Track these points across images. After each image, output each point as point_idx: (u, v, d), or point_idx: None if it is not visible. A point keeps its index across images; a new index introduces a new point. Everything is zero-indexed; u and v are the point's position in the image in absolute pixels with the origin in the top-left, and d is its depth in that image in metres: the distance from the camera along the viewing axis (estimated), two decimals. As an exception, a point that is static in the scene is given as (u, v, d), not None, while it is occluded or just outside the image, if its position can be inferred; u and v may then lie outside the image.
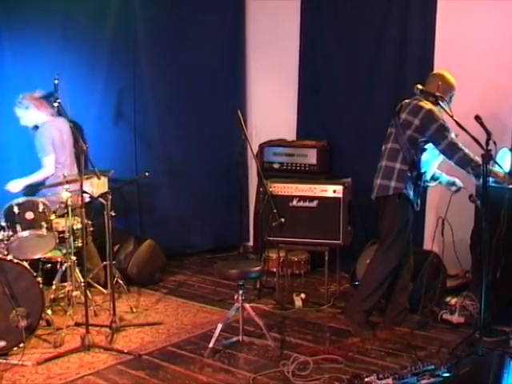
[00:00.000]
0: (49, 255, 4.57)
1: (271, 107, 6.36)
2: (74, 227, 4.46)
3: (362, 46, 5.68)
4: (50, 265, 4.70)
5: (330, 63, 5.91)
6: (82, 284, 4.38)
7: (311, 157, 5.76)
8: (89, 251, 4.80)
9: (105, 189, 4.70)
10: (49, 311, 4.29)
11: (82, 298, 4.19)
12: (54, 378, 3.58)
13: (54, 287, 4.54)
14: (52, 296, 4.56)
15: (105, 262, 4.65)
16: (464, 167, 3.92)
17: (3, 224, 4.29)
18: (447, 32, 5.15)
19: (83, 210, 4.11)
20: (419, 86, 4.00)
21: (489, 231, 3.59)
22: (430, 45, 5.21)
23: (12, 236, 4.26)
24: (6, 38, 5.14)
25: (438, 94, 3.93)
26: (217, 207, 6.36)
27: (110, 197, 4.29)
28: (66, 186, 4.31)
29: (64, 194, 4.30)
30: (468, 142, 3.70)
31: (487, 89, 4.91)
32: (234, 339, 4.05)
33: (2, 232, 4.27)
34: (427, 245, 5.25)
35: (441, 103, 3.91)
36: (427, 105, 4.02)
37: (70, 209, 4.32)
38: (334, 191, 4.75)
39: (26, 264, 3.98)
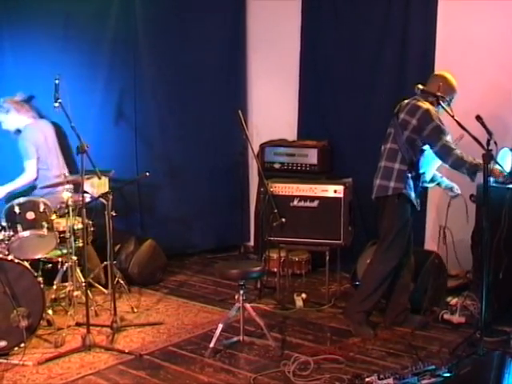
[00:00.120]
0: (49, 255, 4.57)
1: (272, 107, 6.35)
2: (75, 227, 4.46)
3: (362, 46, 5.67)
4: (50, 265, 4.69)
5: (331, 63, 5.90)
6: (83, 284, 4.37)
7: (312, 157, 5.76)
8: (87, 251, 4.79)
9: (105, 189, 4.70)
10: (50, 311, 4.29)
11: (83, 297, 4.18)
12: (54, 377, 3.58)
13: (54, 287, 4.54)
14: (53, 296, 4.56)
15: (106, 262, 4.67)
16: (458, 169, 3.94)
17: (4, 224, 4.30)
18: (448, 32, 5.14)
19: (84, 210, 4.10)
20: (420, 86, 4.00)
21: (489, 231, 3.59)
22: (431, 45, 5.20)
23: (13, 236, 4.28)
24: (6, 38, 5.15)
25: (438, 93, 3.93)
26: (218, 207, 6.35)
27: (110, 197, 4.30)
28: (67, 186, 4.31)
29: (65, 193, 4.30)
30: (469, 142, 3.70)
31: (488, 89, 4.91)
32: (235, 339, 4.05)
33: (2, 232, 4.28)
34: (428, 245, 5.26)
35: (441, 103, 3.90)
36: (425, 105, 4.01)
37: (70, 209, 4.32)
38: (335, 191, 4.74)
39: (26, 264, 3.97)
